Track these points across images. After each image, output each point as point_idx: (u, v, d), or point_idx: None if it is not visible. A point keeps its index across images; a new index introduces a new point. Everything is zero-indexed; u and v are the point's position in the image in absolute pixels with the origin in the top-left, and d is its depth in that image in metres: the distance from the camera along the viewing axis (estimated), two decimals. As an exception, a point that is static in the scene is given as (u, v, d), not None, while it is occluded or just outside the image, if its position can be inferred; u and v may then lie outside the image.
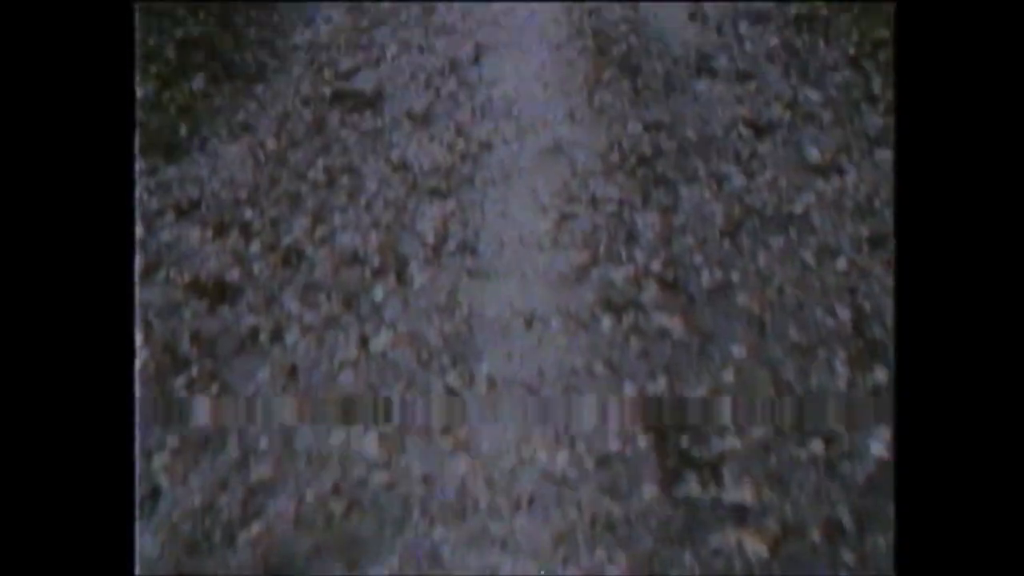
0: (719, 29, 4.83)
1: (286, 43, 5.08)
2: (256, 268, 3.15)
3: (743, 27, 4.86)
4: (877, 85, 4.20)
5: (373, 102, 4.17)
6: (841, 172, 3.49)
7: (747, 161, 3.53)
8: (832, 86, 4.22)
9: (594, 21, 4.84)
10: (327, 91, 4.37)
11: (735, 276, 2.87)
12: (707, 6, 5.15)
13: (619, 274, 2.85)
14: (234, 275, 3.13)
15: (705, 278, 2.85)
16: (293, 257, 3.17)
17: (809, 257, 2.99)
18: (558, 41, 4.58)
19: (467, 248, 3.02)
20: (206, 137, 4.08)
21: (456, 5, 5.17)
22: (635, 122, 3.76)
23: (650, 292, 2.78)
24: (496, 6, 5.10)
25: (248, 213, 3.50)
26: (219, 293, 3.08)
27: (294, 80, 4.58)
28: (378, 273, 2.97)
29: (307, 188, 3.59)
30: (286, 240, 3.28)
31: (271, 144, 3.98)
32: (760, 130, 3.77)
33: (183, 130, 4.10)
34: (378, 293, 2.87)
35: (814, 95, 4.12)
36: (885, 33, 4.58)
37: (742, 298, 2.77)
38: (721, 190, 3.33)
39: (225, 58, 4.85)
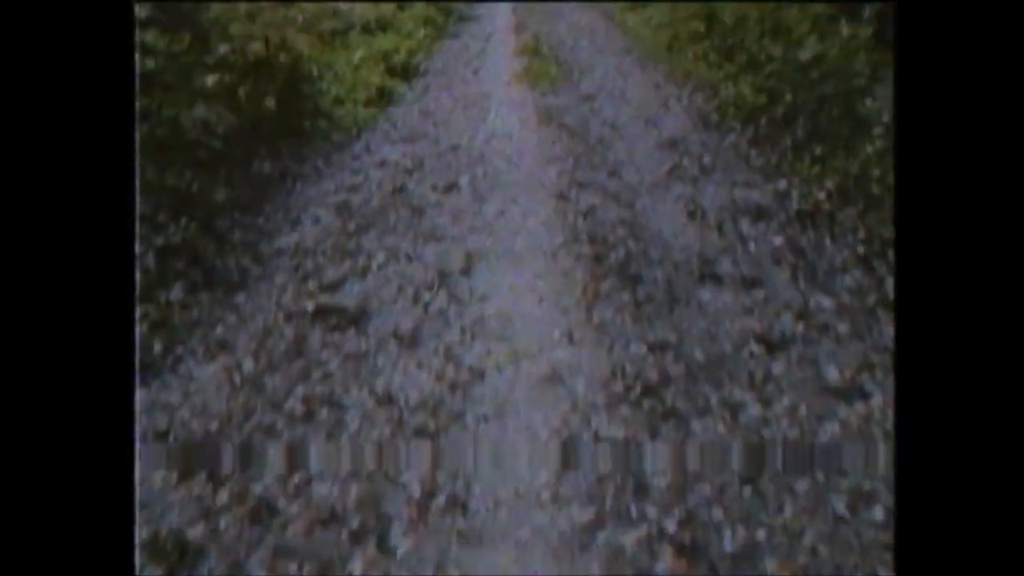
0: (720, 228, 4.69)
1: (271, 247, 4.94)
2: (222, 523, 2.83)
3: (744, 225, 4.72)
4: (891, 288, 3.99)
5: (357, 319, 3.96)
6: (865, 395, 3.22)
7: (761, 385, 3.27)
8: (844, 291, 4.03)
9: (589, 224, 4.70)
10: (310, 305, 4.17)
11: (760, 534, 2.54)
12: (706, 203, 5.03)
13: (629, 537, 2.53)
14: (197, 532, 2.80)
15: (727, 539, 2.53)
16: (264, 511, 2.85)
17: (841, 505, 2.68)
18: (552, 248, 4.41)
19: (457, 504, 2.71)
20: (180, 356, 3.83)
21: (446, 210, 5.04)
22: (638, 342, 3.52)
23: (665, 561, 2.45)
24: (487, 210, 4.97)
25: (218, 451, 3.20)
26: (179, 554, 2.75)
27: (276, 289, 4.40)
28: (357, 537, 2.64)
29: (283, 422, 3.31)
30: (257, 488, 2.97)
31: (248, 365, 3.73)
32: (772, 346, 3.54)
33: (156, 347, 3.85)
34: (356, 564, 2.54)
35: (826, 302, 3.92)
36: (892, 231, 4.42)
37: (771, 565, 2.44)
38: (736, 422, 3.05)
39: (207, 265, 4.67)
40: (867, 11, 7.51)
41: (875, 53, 6.23)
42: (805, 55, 6.25)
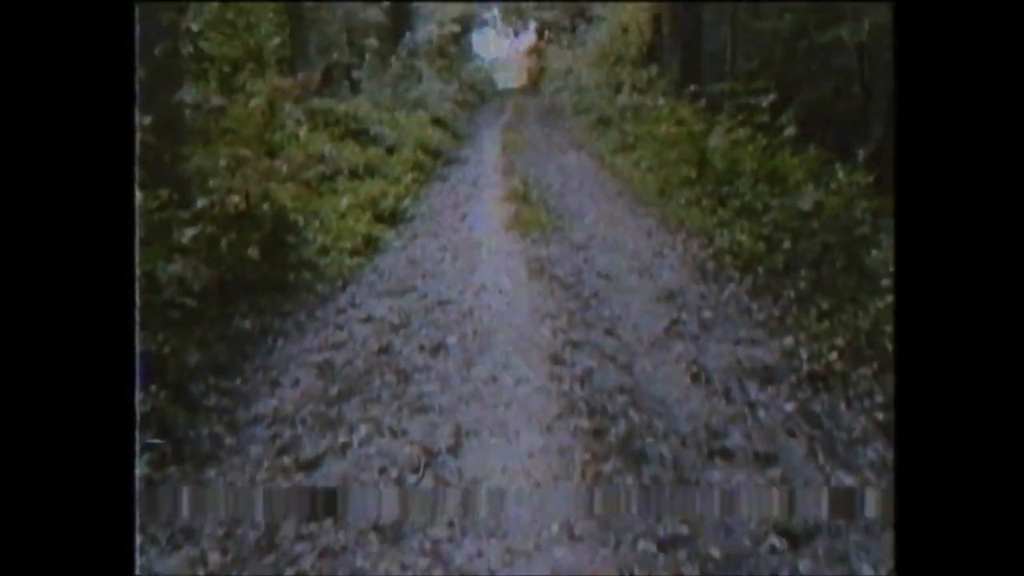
0: (727, 394, 4.40)
1: (247, 413, 4.65)
2: None
3: (752, 390, 4.45)
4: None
5: (335, 506, 3.59)
6: (906, 600, 2.85)
7: (789, 590, 2.90)
8: (867, 467, 3.71)
9: (587, 391, 4.40)
10: (285, 486, 3.81)
11: None
12: (709, 364, 4.76)
13: None
14: None
15: None
16: None
17: None
18: (548, 421, 4.10)
19: None
20: (141, 545, 3.45)
21: (434, 374, 4.74)
22: (647, 539, 3.17)
23: None
24: (477, 375, 4.68)
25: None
26: None
27: (251, 464, 4.06)
28: None
29: (249, 635, 2.93)
30: None
31: (215, 559, 3.36)
32: (796, 539, 3.18)
33: (114, 536, 3.46)
34: None
35: (849, 480, 3.59)
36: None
37: None
38: (764, 639, 2.68)
39: (176, 435, 4.33)
40: (861, 155, 7.46)
41: (875, 200, 6.08)
42: (805, 204, 6.09)
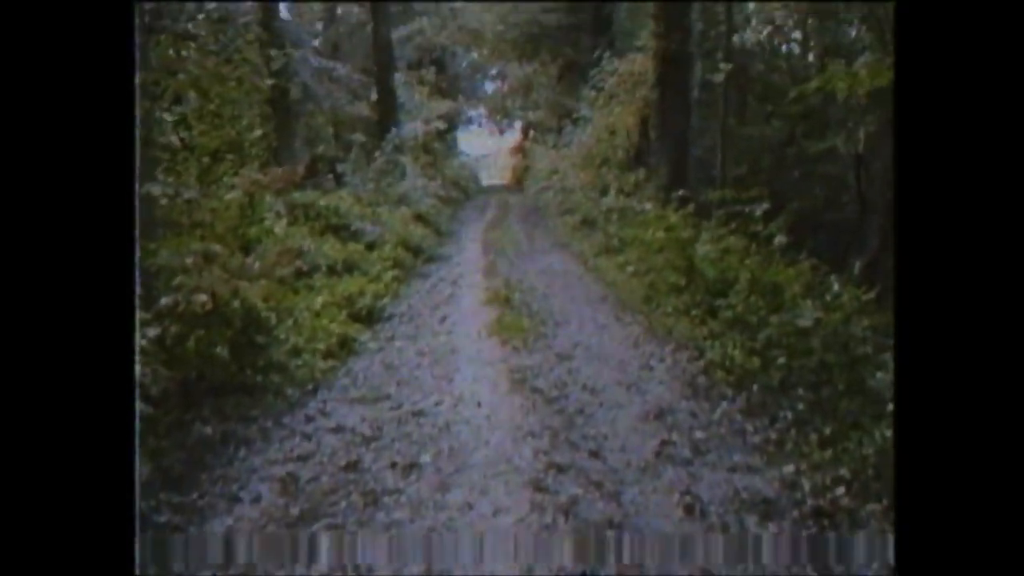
0: (723, 528, 4.03)
1: (200, 531, 4.28)
2: None
3: (751, 525, 4.08)
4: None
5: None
6: None
7: None
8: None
9: (572, 525, 4.01)
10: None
11: None
12: (704, 493, 4.40)
13: None
14: None
15: None
16: None
17: None
18: (528, 562, 3.70)
19: None
20: None
21: (404, 498, 4.36)
22: None
23: None
24: (451, 501, 4.30)
25: None
26: None
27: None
28: None
29: None
30: None
31: None
32: None
33: None
34: None
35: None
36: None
37: None
38: None
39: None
40: (857, 266, 7.26)
41: (876, 317, 5.82)
42: (804, 321, 5.81)
